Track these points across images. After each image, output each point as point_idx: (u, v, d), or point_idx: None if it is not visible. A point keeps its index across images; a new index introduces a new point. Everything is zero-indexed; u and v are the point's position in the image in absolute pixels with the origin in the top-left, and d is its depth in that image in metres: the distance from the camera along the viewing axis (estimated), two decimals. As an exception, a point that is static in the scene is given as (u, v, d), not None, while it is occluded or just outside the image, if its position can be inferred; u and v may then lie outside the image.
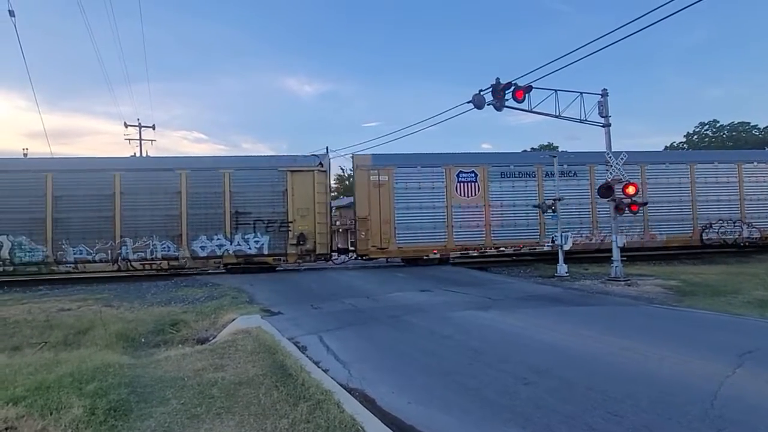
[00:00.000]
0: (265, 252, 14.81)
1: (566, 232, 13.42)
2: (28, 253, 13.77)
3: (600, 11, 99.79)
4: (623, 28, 12.13)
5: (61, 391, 4.01)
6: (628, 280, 11.11)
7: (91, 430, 3.36)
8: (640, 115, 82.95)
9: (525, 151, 37.36)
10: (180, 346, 6.58)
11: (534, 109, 12.25)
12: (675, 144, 47.34)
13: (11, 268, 13.77)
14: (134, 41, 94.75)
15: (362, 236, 15.24)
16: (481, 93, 11.89)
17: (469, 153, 17.27)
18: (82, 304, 9.65)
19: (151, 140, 34.92)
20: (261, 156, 16.14)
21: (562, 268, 12.62)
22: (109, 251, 14.14)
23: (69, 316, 8.37)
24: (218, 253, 14.65)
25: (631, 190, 11.45)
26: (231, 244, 14.66)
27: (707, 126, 45.29)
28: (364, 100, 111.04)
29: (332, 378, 4.54)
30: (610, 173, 11.83)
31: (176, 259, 14.48)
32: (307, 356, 5.38)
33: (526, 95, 11.85)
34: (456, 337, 6.15)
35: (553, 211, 13.53)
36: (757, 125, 43.10)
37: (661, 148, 45.97)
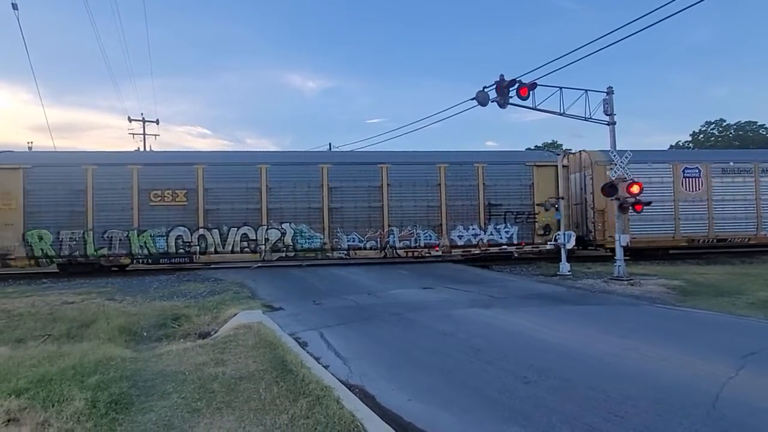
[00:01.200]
0: (515, 241, 15.62)
1: (569, 231, 13.38)
2: (307, 240, 14.97)
3: (605, 8, 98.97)
4: (629, 25, 12.05)
5: (63, 384, 4.04)
6: (631, 279, 11.06)
7: (93, 423, 3.38)
8: (645, 114, 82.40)
9: (528, 149, 37.23)
10: (182, 340, 6.60)
11: (538, 107, 12.22)
12: (680, 143, 47.00)
13: (293, 254, 14.95)
14: (138, 37, 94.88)
15: (599, 228, 15.85)
16: (485, 90, 11.83)
17: (693, 150, 17.80)
18: (86, 298, 9.70)
19: (155, 135, 34.95)
20: (510, 151, 17.10)
21: (564, 266, 12.57)
22: (378, 239, 15.15)
23: (72, 309, 8.42)
24: (473, 242, 15.52)
25: (635, 189, 11.38)
26: (485, 233, 15.51)
27: (713, 125, 44.90)
28: (367, 96, 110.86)
29: (332, 374, 4.55)
30: (614, 172, 11.75)
31: (435, 247, 15.44)
32: (308, 352, 5.39)
33: (531, 92, 11.79)
34: (457, 335, 6.14)
35: (557, 209, 13.48)
36: (764, 124, 42.69)
37: (666, 147, 45.66)
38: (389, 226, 15.17)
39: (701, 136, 45.08)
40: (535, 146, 42.57)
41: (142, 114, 31.11)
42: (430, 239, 15.32)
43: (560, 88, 12.14)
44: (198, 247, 14.25)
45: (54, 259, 13.75)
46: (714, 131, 44.77)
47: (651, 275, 11.86)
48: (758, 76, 72.85)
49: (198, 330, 7.18)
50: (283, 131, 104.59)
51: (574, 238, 13.22)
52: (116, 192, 13.95)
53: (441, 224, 15.38)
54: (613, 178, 11.71)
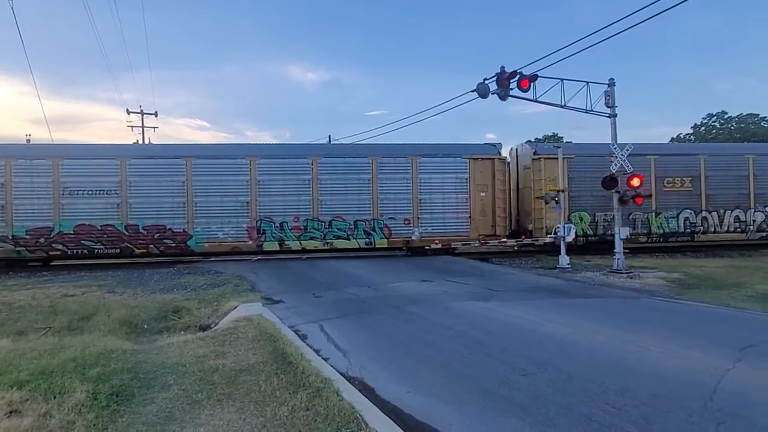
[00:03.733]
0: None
1: (568, 223, 13.38)
2: None
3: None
4: (630, 16, 11.87)
5: (64, 376, 4.07)
6: (630, 272, 11.09)
7: (94, 415, 3.40)
8: (646, 106, 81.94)
9: (529, 141, 37.02)
10: (182, 332, 6.63)
11: (539, 99, 12.09)
12: (682, 136, 46.80)
13: None
14: (136, 28, 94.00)
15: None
16: (486, 82, 11.72)
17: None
18: (87, 290, 9.73)
19: (154, 127, 34.72)
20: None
21: (564, 259, 12.59)
22: None
23: (73, 302, 8.45)
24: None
25: (635, 181, 11.37)
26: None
27: (715, 117, 44.66)
28: (368, 88, 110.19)
29: (332, 366, 4.57)
30: (615, 164, 11.72)
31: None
32: (308, 344, 5.41)
33: (532, 84, 11.68)
34: (456, 328, 6.16)
35: (557, 203, 13.46)
36: (765, 117, 42.45)
37: (667, 140, 45.49)
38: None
39: (702, 128, 44.88)
40: (536, 138, 42.31)
41: (140, 106, 30.85)
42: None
43: (561, 80, 12.01)
44: (701, 227, 16.29)
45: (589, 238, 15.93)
46: (716, 124, 44.56)
47: (650, 268, 11.89)
48: (761, 69, 72.37)
49: (198, 322, 7.21)
50: (282, 123, 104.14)
51: (574, 231, 13.22)
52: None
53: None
54: (613, 171, 11.69)
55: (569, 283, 10.25)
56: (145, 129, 30.66)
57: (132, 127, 30.57)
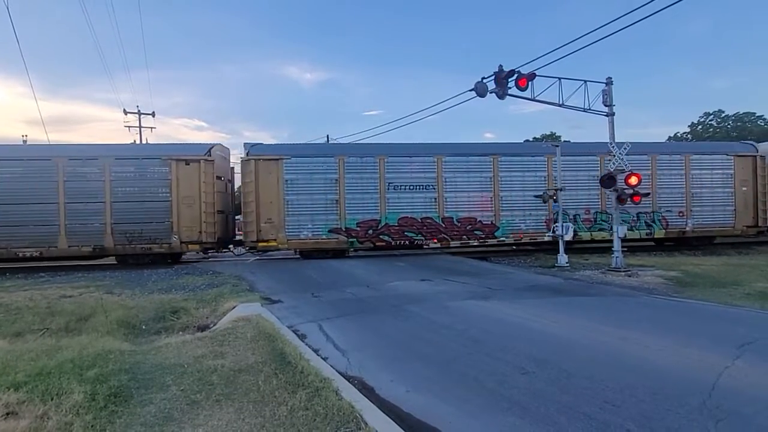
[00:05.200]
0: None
1: (567, 222, 13.39)
2: None
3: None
4: (627, 15, 11.91)
5: (61, 377, 4.04)
6: (629, 270, 11.11)
7: (92, 416, 3.38)
8: (643, 105, 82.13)
9: (527, 140, 37.02)
10: (180, 333, 6.61)
11: (537, 98, 12.10)
12: (679, 134, 46.93)
13: None
14: (133, 28, 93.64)
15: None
16: (484, 81, 11.72)
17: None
18: (84, 291, 9.69)
19: (151, 128, 34.69)
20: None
21: (562, 258, 12.60)
22: None
23: (70, 303, 8.41)
24: None
25: (633, 180, 11.38)
26: None
27: (712, 116, 44.79)
28: (365, 88, 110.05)
29: (331, 366, 4.56)
30: (613, 163, 11.73)
31: None
32: (307, 344, 5.40)
33: (530, 83, 11.69)
34: (455, 327, 6.16)
35: (555, 201, 13.47)
36: (762, 115, 42.60)
37: (664, 139, 45.60)
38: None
39: (699, 127, 45.01)
40: (533, 138, 42.35)
41: (137, 107, 30.71)
42: None
43: (559, 78, 12.03)
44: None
45: None
46: (712, 122, 44.69)
47: (648, 266, 11.91)
48: (757, 68, 72.61)
49: (197, 323, 7.19)
50: (281, 123, 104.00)
51: (572, 230, 13.24)
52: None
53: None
54: (611, 170, 11.70)
55: (568, 281, 10.26)
56: (142, 129, 30.57)
57: (129, 127, 30.48)
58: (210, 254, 16.77)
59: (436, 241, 15.44)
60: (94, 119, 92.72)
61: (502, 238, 15.72)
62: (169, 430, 3.24)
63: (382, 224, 15.16)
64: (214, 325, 6.84)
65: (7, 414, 3.40)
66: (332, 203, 15.03)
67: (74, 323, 7.12)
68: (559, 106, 12.23)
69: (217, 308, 7.84)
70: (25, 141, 21.98)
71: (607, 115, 12.22)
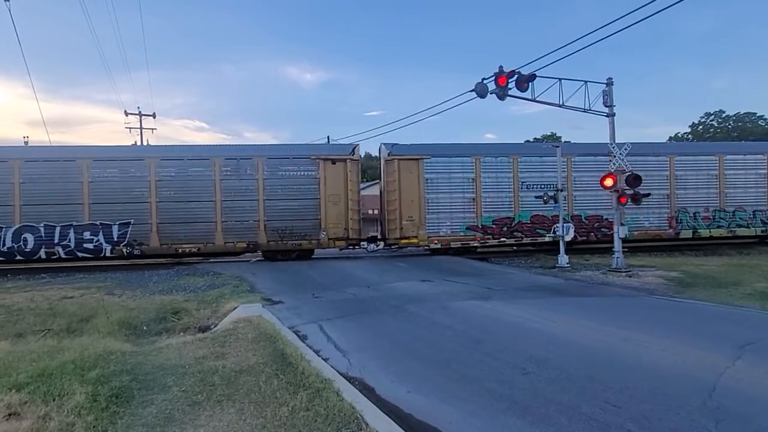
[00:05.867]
0: None
1: (567, 223, 13.40)
2: None
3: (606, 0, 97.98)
4: (628, 16, 11.91)
5: (63, 378, 4.05)
6: (630, 271, 11.10)
7: (93, 417, 3.39)
8: (644, 105, 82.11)
9: (527, 141, 37.02)
10: (181, 334, 6.63)
11: (537, 98, 12.11)
12: (680, 134, 46.92)
13: None
14: (134, 29, 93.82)
15: None
16: (484, 81, 11.73)
17: None
18: (85, 292, 9.71)
19: (152, 129, 34.77)
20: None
21: (563, 258, 12.61)
22: None
23: (72, 304, 8.43)
24: None
25: (632, 182, 11.38)
26: None
27: (713, 116, 44.81)
28: (366, 89, 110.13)
29: (332, 367, 4.57)
30: (614, 163, 11.74)
31: None
32: (308, 345, 5.41)
33: (530, 84, 11.70)
34: (456, 327, 6.16)
35: (555, 201, 13.47)
36: (763, 116, 42.65)
37: (665, 139, 45.59)
38: None
39: (700, 127, 45.01)
40: (534, 138, 42.36)
41: (138, 108, 30.79)
42: None
43: (559, 79, 12.04)
44: None
45: None
46: (713, 122, 44.71)
47: (649, 267, 11.91)
48: (758, 68, 72.54)
49: (198, 324, 7.20)
50: (282, 124, 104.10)
51: (573, 230, 13.24)
52: None
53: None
54: (612, 170, 11.70)
55: (568, 282, 10.26)
56: (143, 130, 30.62)
57: (130, 128, 30.51)
58: (346, 251, 17.06)
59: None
60: (95, 120, 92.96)
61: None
62: (170, 430, 3.25)
63: (516, 221, 15.87)
64: (215, 326, 6.85)
65: (10, 415, 3.41)
66: (469, 201, 15.78)
67: (75, 324, 7.15)
68: (560, 106, 12.24)
69: (218, 309, 7.86)
70: (26, 142, 22.02)
71: (607, 116, 12.22)
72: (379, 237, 16.55)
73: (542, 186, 15.77)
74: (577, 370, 4.35)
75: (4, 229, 13.81)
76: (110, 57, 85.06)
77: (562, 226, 12.92)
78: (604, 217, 16.16)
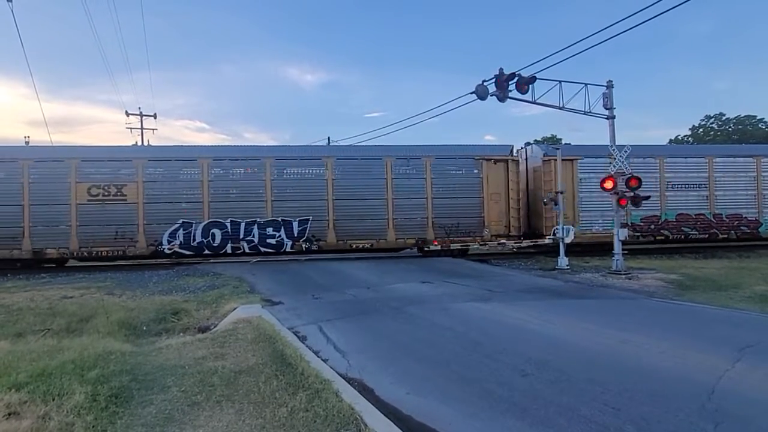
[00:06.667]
0: None
1: (567, 225, 13.40)
2: None
3: (606, 0, 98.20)
4: (628, 19, 11.95)
5: (63, 378, 4.06)
6: (629, 273, 11.11)
7: (93, 416, 3.40)
8: (645, 107, 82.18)
9: (528, 143, 36.96)
10: (181, 334, 6.63)
11: (538, 101, 12.14)
12: (680, 137, 46.93)
13: None
14: (135, 29, 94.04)
15: None
16: (485, 83, 11.76)
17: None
18: (85, 292, 9.71)
19: (153, 129, 34.85)
20: None
21: (563, 260, 12.61)
22: None
23: (71, 304, 8.43)
24: None
25: (633, 183, 11.39)
26: None
27: (713, 119, 44.79)
28: (366, 90, 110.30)
29: (331, 368, 4.57)
30: (614, 166, 11.75)
31: None
32: (307, 346, 5.41)
33: (530, 86, 11.73)
34: (456, 329, 6.16)
35: (555, 204, 13.48)
36: (763, 119, 42.59)
37: (665, 141, 45.60)
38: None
39: (701, 130, 45.01)
40: (534, 140, 42.34)
41: (139, 108, 30.81)
42: None
43: (560, 81, 12.07)
44: None
45: None
46: (713, 125, 44.69)
47: (649, 269, 11.91)
48: (758, 70, 72.62)
49: (197, 324, 7.20)
50: (282, 125, 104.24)
51: (572, 232, 13.24)
52: None
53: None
54: (612, 173, 11.72)
55: (568, 284, 10.26)
56: (144, 131, 30.66)
57: (131, 128, 30.56)
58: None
59: (707, 236, 16.74)
60: (95, 120, 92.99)
61: (763, 234, 16.97)
62: (169, 431, 3.25)
63: (662, 220, 16.45)
64: (214, 327, 6.85)
65: (9, 414, 3.41)
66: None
67: (75, 324, 7.15)
68: (560, 108, 12.27)
69: (218, 310, 7.86)
70: (27, 142, 22.02)
71: (607, 118, 12.24)
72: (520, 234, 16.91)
73: (686, 186, 16.51)
74: (576, 372, 4.35)
75: (194, 225, 14.50)
76: (111, 57, 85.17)
77: (562, 228, 12.92)
78: (744, 216, 16.80)
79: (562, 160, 15.68)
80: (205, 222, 14.55)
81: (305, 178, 15.13)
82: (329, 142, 29.43)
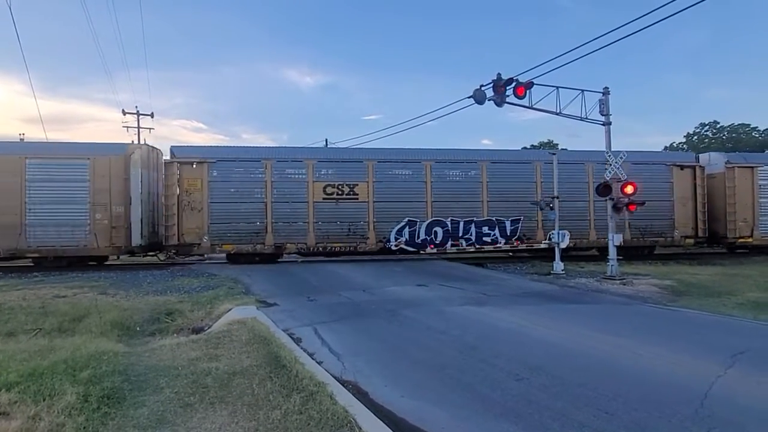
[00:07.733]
0: None
1: (563, 230, 13.45)
2: None
3: (603, 7, 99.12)
4: (625, 26, 12.09)
5: (54, 378, 4.02)
6: (624, 278, 11.16)
7: (84, 417, 3.36)
8: (640, 114, 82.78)
9: (525, 148, 37.17)
10: (175, 335, 6.59)
11: (535, 106, 12.20)
12: (675, 144, 47.34)
13: None
14: (133, 28, 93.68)
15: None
16: (482, 88, 11.82)
17: None
18: (78, 292, 9.63)
19: (150, 128, 34.63)
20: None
21: (558, 265, 12.64)
22: None
23: (64, 303, 8.35)
24: None
25: (629, 189, 11.46)
26: None
27: (707, 127, 45.23)
28: (364, 93, 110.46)
29: (326, 370, 4.56)
30: (609, 172, 11.82)
31: None
32: (302, 348, 5.39)
33: (528, 91, 11.79)
34: (450, 332, 6.17)
35: (551, 209, 13.54)
36: (757, 127, 43.06)
37: (660, 148, 45.95)
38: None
39: (695, 137, 45.44)
40: (531, 145, 42.56)
41: (136, 107, 30.64)
42: None
43: (557, 87, 12.14)
44: None
45: None
46: (708, 133, 45.13)
47: (643, 275, 11.97)
48: (752, 79, 73.45)
49: (191, 325, 7.16)
50: (280, 126, 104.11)
51: (568, 237, 13.29)
52: None
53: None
54: (608, 179, 11.79)
55: (563, 289, 10.29)
56: (140, 130, 30.52)
57: (128, 127, 30.35)
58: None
59: None
60: (92, 119, 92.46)
61: None
62: (162, 432, 3.22)
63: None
64: (209, 328, 6.81)
65: (-1, 414, 3.37)
66: None
67: (68, 324, 7.08)
68: (557, 114, 12.34)
69: (213, 311, 7.81)
70: (22, 139, 21.83)
71: (603, 124, 12.33)
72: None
73: None
74: (570, 376, 4.36)
75: (418, 223, 15.36)
76: (109, 56, 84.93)
77: (558, 233, 12.97)
78: None
79: (743, 167, 16.76)
80: (429, 220, 15.44)
81: (518, 180, 15.99)
82: (326, 144, 29.45)
